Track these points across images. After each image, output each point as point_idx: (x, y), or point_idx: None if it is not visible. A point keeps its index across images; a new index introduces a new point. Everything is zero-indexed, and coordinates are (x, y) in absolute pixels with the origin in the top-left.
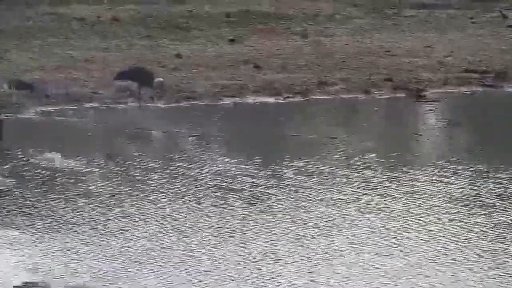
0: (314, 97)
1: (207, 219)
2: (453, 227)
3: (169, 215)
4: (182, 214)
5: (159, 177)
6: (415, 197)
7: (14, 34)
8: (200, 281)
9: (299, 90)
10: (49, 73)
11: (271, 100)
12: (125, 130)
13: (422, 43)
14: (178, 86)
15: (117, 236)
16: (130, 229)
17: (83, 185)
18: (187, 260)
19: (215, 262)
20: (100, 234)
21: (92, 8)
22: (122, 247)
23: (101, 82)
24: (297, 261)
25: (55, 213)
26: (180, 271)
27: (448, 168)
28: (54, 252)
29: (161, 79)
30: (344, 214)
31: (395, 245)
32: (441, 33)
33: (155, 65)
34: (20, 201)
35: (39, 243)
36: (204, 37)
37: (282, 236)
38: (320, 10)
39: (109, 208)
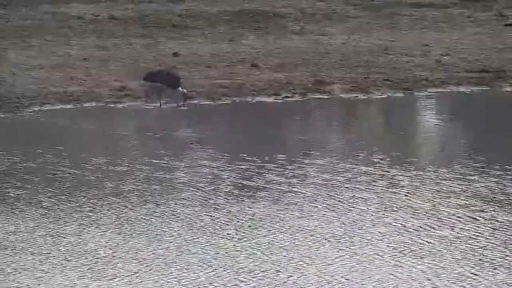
0: (313, 96)
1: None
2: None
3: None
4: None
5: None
6: (417, 196)
7: (12, 33)
8: None
9: (297, 89)
10: (47, 71)
11: (269, 99)
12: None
13: (419, 42)
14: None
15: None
16: None
17: None
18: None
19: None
20: None
21: (90, 7)
22: None
23: (99, 81)
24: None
25: None
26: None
27: (449, 168)
28: None
29: (184, 90)
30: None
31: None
32: (439, 32)
33: (153, 63)
34: None
35: None
36: (201, 36)
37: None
38: (317, 9)
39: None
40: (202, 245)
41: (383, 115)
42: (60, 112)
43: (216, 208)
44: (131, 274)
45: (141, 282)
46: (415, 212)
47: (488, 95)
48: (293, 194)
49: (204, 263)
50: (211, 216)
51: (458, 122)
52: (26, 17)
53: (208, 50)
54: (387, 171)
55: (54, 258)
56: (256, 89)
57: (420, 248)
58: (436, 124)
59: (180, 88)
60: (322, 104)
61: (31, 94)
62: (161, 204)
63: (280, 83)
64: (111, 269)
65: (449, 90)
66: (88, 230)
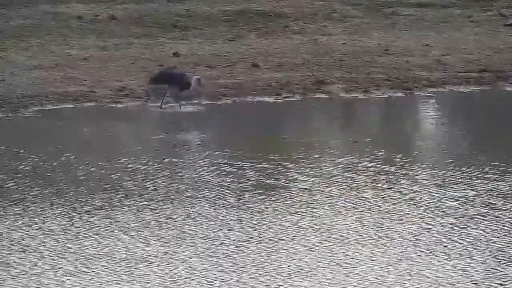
0: (313, 96)
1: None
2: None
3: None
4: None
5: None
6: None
7: (12, 33)
8: None
9: (297, 89)
10: (47, 71)
11: (269, 99)
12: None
13: (420, 41)
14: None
15: None
16: None
17: None
18: None
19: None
20: None
21: (90, 7)
22: None
23: (100, 81)
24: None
25: None
26: None
27: (448, 167)
28: None
29: (197, 76)
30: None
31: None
32: (439, 32)
33: (154, 63)
34: None
35: None
36: (202, 36)
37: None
38: (317, 9)
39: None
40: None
41: (390, 114)
42: (60, 112)
43: None
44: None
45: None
46: (445, 211)
47: (488, 95)
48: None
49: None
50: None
51: (467, 122)
52: (26, 17)
53: (208, 50)
54: (409, 170)
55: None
56: (257, 89)
57: (450, 247)
58: (445, 124)
59: (194, 78)
60: (326, 104)
61: (31, 94)
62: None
63: (280, 83)
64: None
65: (449, 90)
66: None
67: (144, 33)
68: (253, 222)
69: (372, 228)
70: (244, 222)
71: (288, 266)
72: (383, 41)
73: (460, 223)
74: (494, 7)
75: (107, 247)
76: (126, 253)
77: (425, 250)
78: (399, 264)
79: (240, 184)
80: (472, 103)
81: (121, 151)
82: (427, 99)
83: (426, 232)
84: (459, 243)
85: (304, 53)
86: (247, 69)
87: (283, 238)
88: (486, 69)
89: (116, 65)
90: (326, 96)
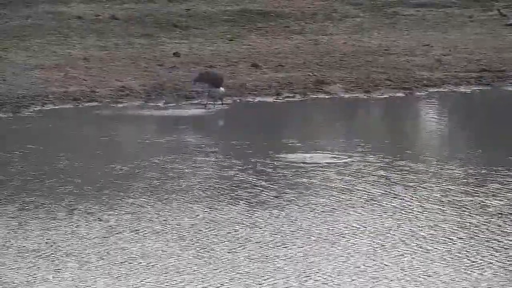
0: (313, 96)
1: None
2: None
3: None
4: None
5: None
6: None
7: (12, 33)
8: None
9: (298, 89)
10: (48, 71)
11: (270, 99)
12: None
13: (420, 41)
14: (177, 85)
15: None
16: None
17: None
18: None
19: None
20: None
21: (90, 7)
22: None
23: (100, 80)
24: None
25: None
26: None
27: (449, 167)
28: None
29: (223, 89)
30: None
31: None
32: (440, 32)
33: (154, 63)
34: None
35: None
36: (202, 35)
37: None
38: (318, 8)
39: None
40: None
41: (385, 114)
42: (61, 112)
43: None
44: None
45: None
46: (482, 209)
47: (489, 94)
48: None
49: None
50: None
51: (475, 121)
52: (26, 17)
53: (209, 50)
54: (439, 168)
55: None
56: (257, 89)
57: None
58: (455, 123)
59: (221, 88)
60: (328, 104)
61: (32, 94)
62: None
63: (281, 83)
64: None
65: (449, 90)
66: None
67: (145, 33)
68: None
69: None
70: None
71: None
72: (384, 41)
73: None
74: (495, 7)
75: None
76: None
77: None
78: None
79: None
80: (473, 103)
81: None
82: (427, 99)
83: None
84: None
85: (304, 53)
86: (247, 69)
87: None
88: (487, 69)
89: (116, 65)
90: (327, 96)
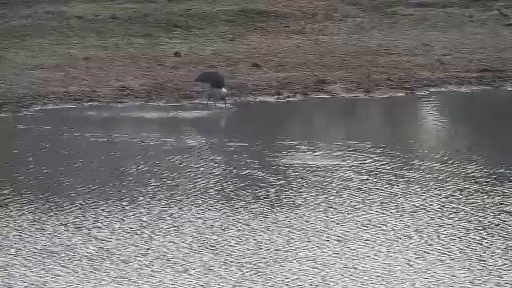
0: (314, 96)
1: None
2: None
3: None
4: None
5: None
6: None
7: (13, 33)
8: None
9: (299, 89)
10: (48, 71)
11: (271, 99)
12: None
13: (420, 41)
14: (177, 85)
15: None
16: None
17: None
18: None
19: None
20: None
21: (90, 6)
22: None
23: (101, 80)
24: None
25: None
26: None
27: (450, 167)
28: None
29: (225, 90)
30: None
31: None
32: (440, 32)
33: (154, 63)
34: None
35: None
36: (202, 35)
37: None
38: (318, 8)
39: None
40: None
41: (386, 114)
42: (62, 111)
43: None
44: None
45: None
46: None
47: (489, 94)
48: None
49: None
50: None
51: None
52: (26, 17)
53: (209, 50)
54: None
55: None
56: (258, 89)
57: None
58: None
59: (223, 88)
60: (328, 104)
61: (32, 93)
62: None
63: (281, 83)
64: None
65: (450, 90)
66: None
67: (145, 33)
68: None
69: None
70: None
71: None
72: (384, 41)
73: None
74: (495, 7)
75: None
76: None
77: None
78: None
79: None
80: (472, 103)
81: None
82: (428, 98)
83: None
84: None
85: (305, 53)
86: (248, 69)
87: None
88: (487, 68)
89: (117, 65)
90: (328, 96)
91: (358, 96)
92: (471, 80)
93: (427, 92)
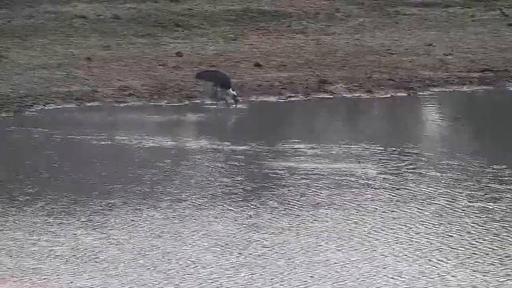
0: (316, 96)
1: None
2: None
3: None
4: None
5: None
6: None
7: (15, 33)
8: None
9: (300, 89)
10: (50, 71)
11: (273, 99)
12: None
13: (422, 41)
14: (179, 85)
15: None
16: None
17: None
18: None
19: None
20: None
21: (92, 6)
22: None
23: (102, 80)
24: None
25: None
26: None
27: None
28: None
29: (234, 92)
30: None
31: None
32: (442, 32)
33: (156, 63)
34: None
35: None
36: (204, 35)
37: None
38: (320, 8)
39: None
40: None
41: (388, 114)
42: (64, 111)
43: None
44: None
45: None
46: None
47: (490, 94)
48: None
49: None
50: None
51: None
52: (29, 17)
53: (211, 50)
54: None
55: None
56: (259, 89)
57: None
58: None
59: (231, 90)
60: (330, 104)
61: (34, 93)
62: None
63: (283, 83)
64: None
65: (452, 90)
66: None
67: (147, 33)
68: None
69: None
70: None
71: None
72: (386, 41)
73: None
74: (497, 7)
75: None
76: None
77: None
78: None
79: None
80: (474, 102)
81: None
82: (430, 98)
83: None
84: None
85: (307, 52)
86: (250, 68)
87: None
88: (489, 68)
89: (119, 65)
90: (329, 96)
91: (360, 96)
92: (473, 80)
93: (429, 92)
